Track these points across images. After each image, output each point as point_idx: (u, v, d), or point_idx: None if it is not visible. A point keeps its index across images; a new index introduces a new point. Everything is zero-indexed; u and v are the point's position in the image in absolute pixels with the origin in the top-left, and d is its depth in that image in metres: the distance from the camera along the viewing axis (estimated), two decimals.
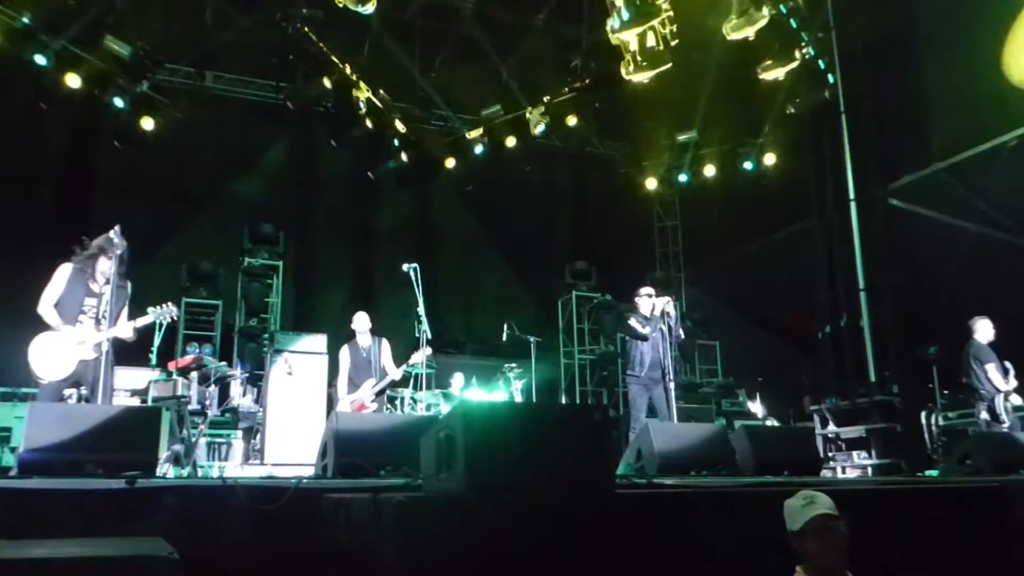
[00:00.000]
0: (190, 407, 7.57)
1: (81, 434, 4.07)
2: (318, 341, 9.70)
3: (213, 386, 8.28)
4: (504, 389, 10.62)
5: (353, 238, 13.67)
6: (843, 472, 10.31)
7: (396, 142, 12.09)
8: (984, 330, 8.06)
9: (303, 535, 3.45)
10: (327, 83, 10.73)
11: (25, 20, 9.20)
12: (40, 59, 9.29)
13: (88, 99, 9.97)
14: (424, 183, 13.30)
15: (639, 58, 9.69)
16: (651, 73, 9.78)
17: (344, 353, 8.04)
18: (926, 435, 9.49)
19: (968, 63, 10.36)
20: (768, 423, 11.45)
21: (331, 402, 8.83)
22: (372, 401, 7.83)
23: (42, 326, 5.68)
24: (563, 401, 12.64)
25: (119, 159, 11.17)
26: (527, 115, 12.36)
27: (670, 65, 9.76)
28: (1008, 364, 7.87)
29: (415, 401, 9.45)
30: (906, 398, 10.46)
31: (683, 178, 13.77)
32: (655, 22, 9.42)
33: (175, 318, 6.28)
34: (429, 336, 7.58)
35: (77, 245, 5.91)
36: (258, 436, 9.20)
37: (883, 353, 11.16)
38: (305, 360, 9.51)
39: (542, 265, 14.78)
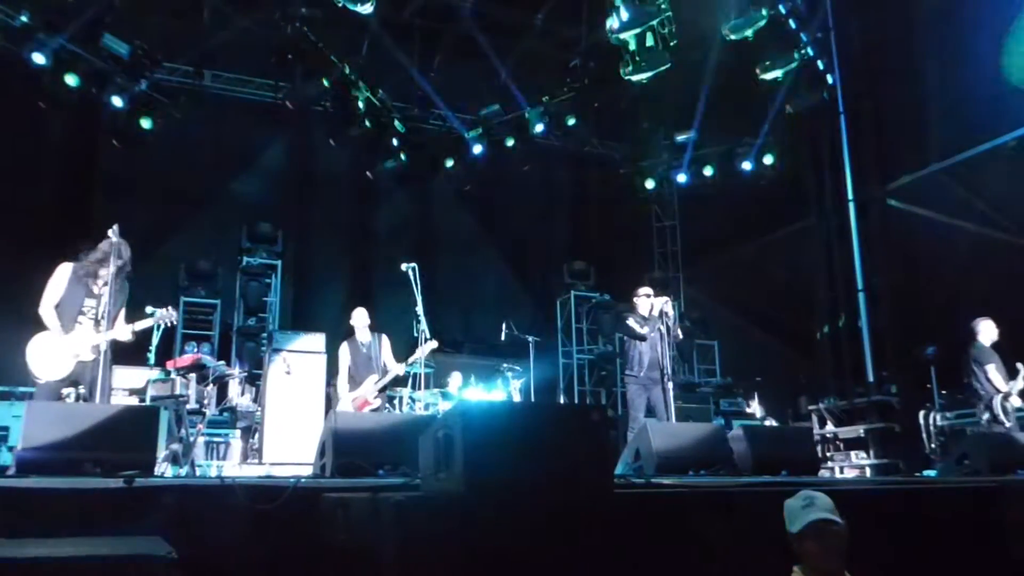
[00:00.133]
0: (188, 406, 7.56)
1: (79, 433, 4.07)
2: (316, 340, 9.70)
3: (211, 385, 8.25)
4: (502, 389, 10.62)
5: (352, 237, 13.67)
6: (841, 472, 10.33)
7: (395, 142, 12.09)
8: (987, 331, 8.06)
9: (301, 535, 3.44)
10: (326, 82, 10.73)
11: (23, 19, 9.20)
12: (38, 58, 9.26)
13: (86, 98, 9.96)
14: (423, 183, 13.32)
15: (638, 58, 9.70)
16: (650, 73, 9.80)
17: (343, 350, 7.94)
18: (924, 435, 9.49)
19: (966, 63, 10.37)
20: (766, 423, 11.45)
21: (329, 401, 8.82)
22: (375, 397, 7.75)
23: (40, 326, 5.68)
24: (561, 401, 12.64)
25: (117, 158, 11.16)
26: (526, 115, 12.37)
27: (669, 65, 9.78)
28: (1020, 365, 7.83)
29: (413, 400, 9.45)
30: (904, 398, 10.47)
31: (682, 178, 13.76)
32: (654, 22, 9.43)
33: (174, 323, 6.28)
34: (427, 336, 7.56)
35: (83, 250, 5.89)
36: (256, 435, 9.20)
37: (881, 353, 11.18)
38: (303, 359, 9.51)
39: (541, 265, 14.80)
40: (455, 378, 10.55)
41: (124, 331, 5.84)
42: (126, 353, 6.72)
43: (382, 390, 7.85)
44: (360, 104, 11.27)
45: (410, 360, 7.77)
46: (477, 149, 12.56)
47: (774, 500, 3.10)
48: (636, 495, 3.91)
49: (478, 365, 11.44)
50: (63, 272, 5.79)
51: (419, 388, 8.89)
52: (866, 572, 3.03)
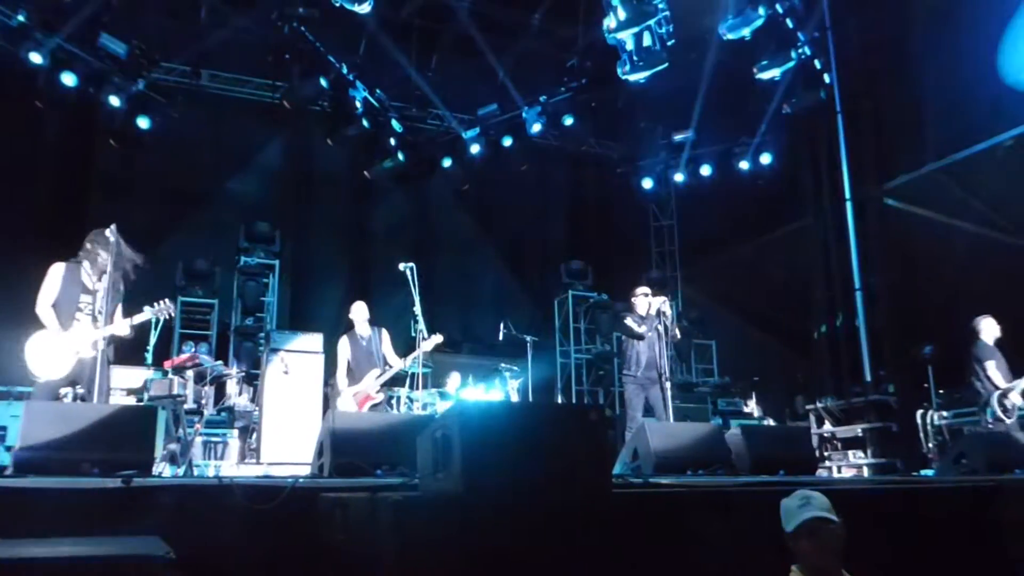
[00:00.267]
0: (186, 406, 7.56)
1: (77, 433, 4.06)
2: (314, 340, 9.69)
3: (209, 385, 8.24)
4: (500, 388, 10.63)
5: (349, 237, 13.66)
6: (839, 472, 10.34)
7: (392, 141, 12.07)
8: (988, 329, 8.07)
9: (299, 534, 3.44)
10: (323, 82, 10.72)
11: (20, 18, 9.17)
12: (35, 57, 9.23)
13: (83, 98, 9.93)
14: (420, 182, 13.30)
15: (635, 58, 9.69)
16: (647, 73, 9.78)
17: (343, 344, 7.87)
18: (921, 435, 9.51)
19: (964, 63, 10.38)
20: (764, 423, 11.46)
21: (327, 401, 8.81)
22: (377, 392, 7.70)
23: (39, 325, 5.68)
24: (559, 401, 12.64)
25: (115, 158, 11.15)
26: (523, 114, 12.37)
27: (666, 65, 9.77)
28: None
29: (411, 400, 9.44)
30: (902, 397, 10.48)
31: (679, 178, 13.77)
32: (651, 22, 9.42)
33: (171, 315, 6.28)
34: (425, 336, 7.55)
35: (81, 249, 5.91)
36: (254, 435, 9.19)
37: (879, 352, 11.19)
38: (301, 359, 9.48)
39: (538, 264, 14.80)
40: (453, 378, 10.55)
41: (123, 326, 5.85)
42: (124, 353, 6.72)
43: (384, 385, 7.83)
44: (357, 104, 11.26)
45: (413, 355, 7.70)
46: (475, 149, 12.55)
47: (772, 500, 3.10)
48: (634, 495, 3.91)
49: (476, 365, 11.45)
50: (56, 271, 5.82)
51: (417, 388, 8.87)
52: (864, 571, 3.03)
